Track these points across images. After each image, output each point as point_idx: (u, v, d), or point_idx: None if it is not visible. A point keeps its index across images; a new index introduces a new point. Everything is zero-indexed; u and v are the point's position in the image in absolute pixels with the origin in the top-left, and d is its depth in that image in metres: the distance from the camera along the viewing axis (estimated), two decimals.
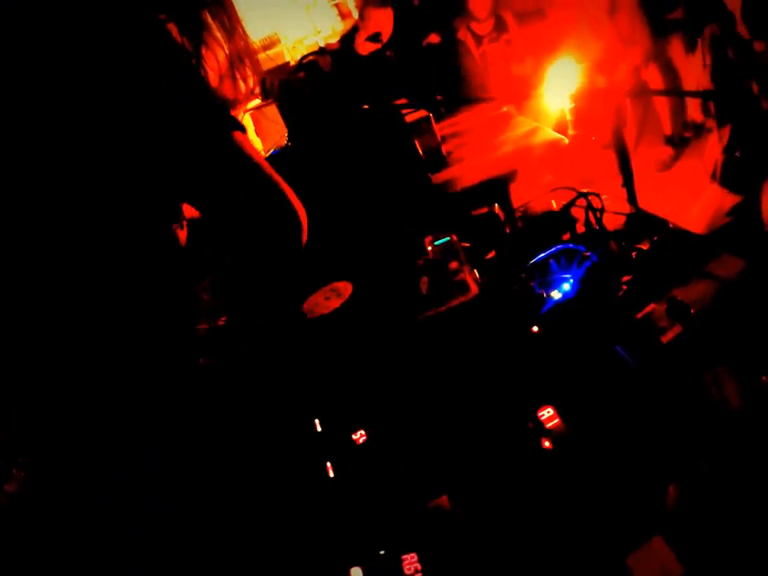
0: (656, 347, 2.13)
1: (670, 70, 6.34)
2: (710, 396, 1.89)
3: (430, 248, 3.04)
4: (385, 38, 5.32)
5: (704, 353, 2.07)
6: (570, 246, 2.83)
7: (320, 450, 1.99)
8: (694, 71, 5.58)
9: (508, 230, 3.20)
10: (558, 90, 3.61)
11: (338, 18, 8.44)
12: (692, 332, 2.16)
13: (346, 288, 2.92)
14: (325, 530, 1.64)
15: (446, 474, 1.98)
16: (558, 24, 6.08)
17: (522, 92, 4.95)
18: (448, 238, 3.07)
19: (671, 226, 2.88)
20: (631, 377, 2.10)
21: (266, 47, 8.06)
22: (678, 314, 2.25)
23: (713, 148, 5.33)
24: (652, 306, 2.34)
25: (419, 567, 1.48)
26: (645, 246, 2.78)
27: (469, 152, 4.30)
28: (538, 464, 1.93)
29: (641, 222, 3.01)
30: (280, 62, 7.83)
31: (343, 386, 2.44)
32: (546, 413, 2.08)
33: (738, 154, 4.89)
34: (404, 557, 1.51)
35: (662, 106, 6.47)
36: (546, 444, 1.97)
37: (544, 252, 2.86)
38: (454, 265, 2.83)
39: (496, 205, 3.27)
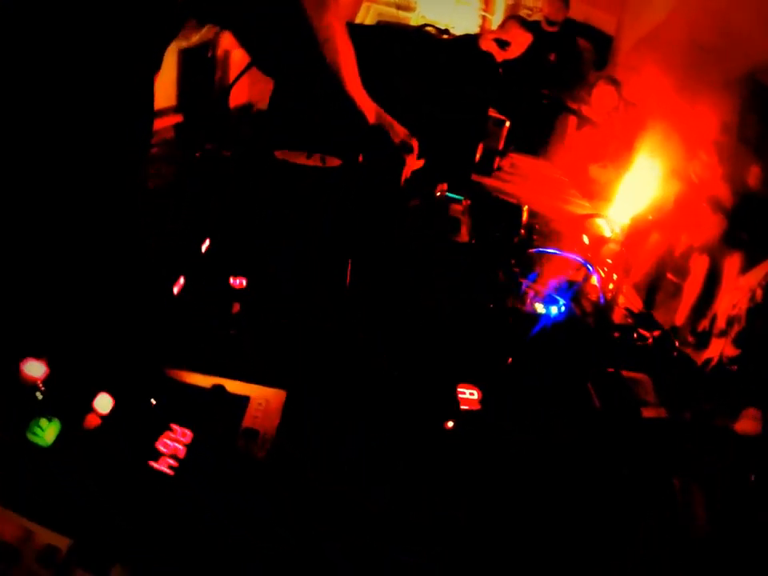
0: (635, 416, 1.80)
1: (715, 271, 6.01)
2: (676, 501, 1.57)
3: (439, 192, 2.75)
4: (511, 53, 5.09)
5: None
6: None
7: None
8: (734, 289, 5.30)
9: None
10: (622, 204, 3.32)
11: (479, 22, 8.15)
12: (673, 425, 1.81)
13: (333, 162, 2.50)
14: None
15: None
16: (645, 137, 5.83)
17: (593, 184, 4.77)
18: (461, 198, 2.80)
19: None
20: (591, 413, 1.81)
21: (399, 6, 7.66)
22: (667, 402, 1.89)
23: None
24: (644, 375, 1.88)
25: None
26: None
27: (515, 181, 4.17)
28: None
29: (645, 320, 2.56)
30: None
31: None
32: (469, 393, 1.76)
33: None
34: None
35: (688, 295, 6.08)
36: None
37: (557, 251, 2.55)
38: (456, 208, 2.65)
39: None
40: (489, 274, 2.32)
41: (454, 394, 1.72)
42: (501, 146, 4.06)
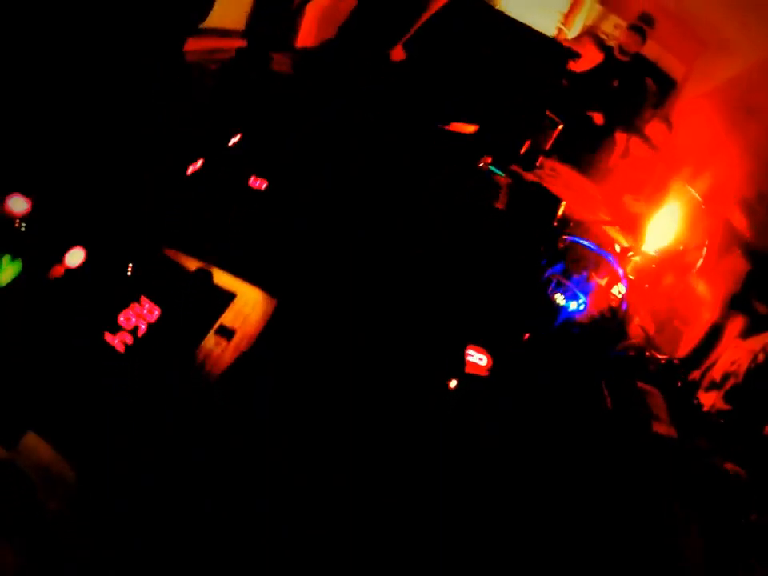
0: (644, 428, 1.66)
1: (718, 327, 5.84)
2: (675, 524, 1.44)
3: (482, 163, 2.59)
4: (579, 66, 5.02)
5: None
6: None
7: None
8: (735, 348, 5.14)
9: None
10: (654, 236, 3.25)
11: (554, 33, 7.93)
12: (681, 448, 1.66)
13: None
14: None
15: None
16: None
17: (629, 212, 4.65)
18: (503, 174, 2.68)
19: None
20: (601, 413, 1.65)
21: None
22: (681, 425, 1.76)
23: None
24: (656, 390, 1.69)
25: None
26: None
27: (554, 183, 3.91)
28: None
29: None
30: None
31: None
32: (478, 357, 1.60)
33: None
34: None
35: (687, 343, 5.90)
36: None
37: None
38: (499, 179, 2.56)
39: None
40: (521, 250, 2.09)
41: (463, 354, 1.51)
42: (548, 146, 3.88)
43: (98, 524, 0.99)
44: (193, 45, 2.48)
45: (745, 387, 4.21)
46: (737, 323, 5.44)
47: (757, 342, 4.68)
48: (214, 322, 1.36)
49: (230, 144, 2.05)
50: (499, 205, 2.20)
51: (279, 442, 1.26)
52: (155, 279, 1.44)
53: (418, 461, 1.31)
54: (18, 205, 1.44)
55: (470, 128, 2.20)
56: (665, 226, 3.21)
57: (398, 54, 2.52)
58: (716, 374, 4.58)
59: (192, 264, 1.50)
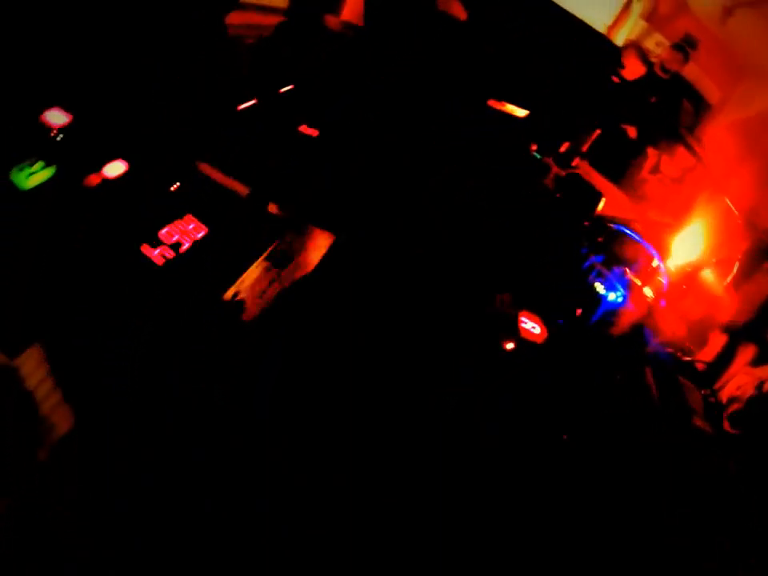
0: (686, 422, 1.62)
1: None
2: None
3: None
4: (623, 74, 5.00)
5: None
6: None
7: None
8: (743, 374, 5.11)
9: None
10: (683, 248, 3.19)
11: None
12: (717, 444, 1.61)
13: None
14: None
15: None
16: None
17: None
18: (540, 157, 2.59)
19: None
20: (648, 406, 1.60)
21: None
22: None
23: None
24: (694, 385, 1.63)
25: None
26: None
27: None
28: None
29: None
30: None
31: None
32: (531, 325, 1.56)
33: None
34: None
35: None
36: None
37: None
38: (547, 160, 2.52)
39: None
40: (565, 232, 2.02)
41: (516, 318, 1.44)
42: (585, 148, 3.81)
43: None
44: (235, 18, 2.44)
45: (746, 413, 4.19)
46: (749, 350, 5.39)
47: (765, 372, 4.65)
48: (265, 250, 1.28)
49: (281, 91, 1.99)
50: (548, 183, 2.09)
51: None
52: (204, 200, 1.35)
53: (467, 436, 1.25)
54: (57, 118, 1.42)
55: (521, 112, 2.11)
56: (694, 239, 3.15)
57: (458, 10, 2.43)
58: (723, 396, 4.56)
59: (244, 190, 1.42)
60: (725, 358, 5.27)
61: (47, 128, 1.45)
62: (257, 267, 1.22)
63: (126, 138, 1.50)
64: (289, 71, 2.25)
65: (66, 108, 1.50)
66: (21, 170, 1.30)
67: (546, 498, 1.26)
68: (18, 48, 1.52)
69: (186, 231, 1.23)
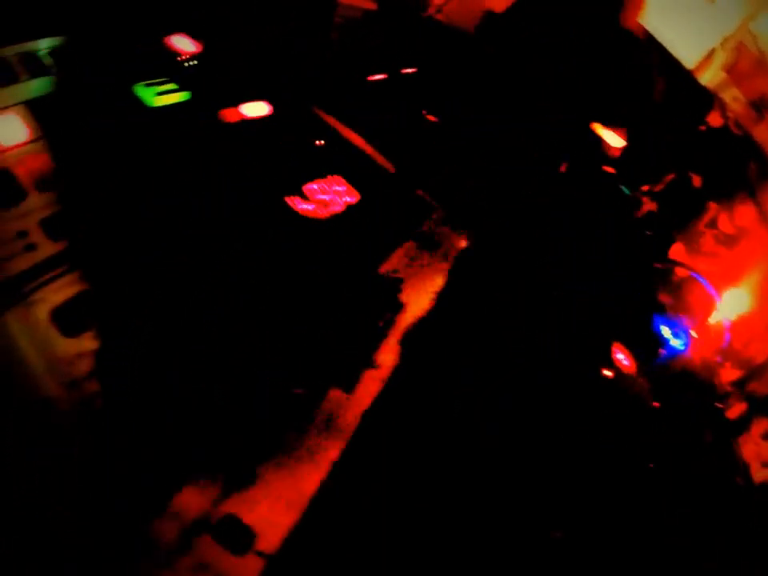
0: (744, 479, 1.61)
1: None
2: None
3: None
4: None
5: None
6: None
7: None
8: None
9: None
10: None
11: None
12: None
13: None
14: None
15: None
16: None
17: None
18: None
19: None
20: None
21: None
22: None
23: None
24: None
25: None
26: None
27: None
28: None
29: None
30: None
31: None
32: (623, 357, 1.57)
33: None
34: None
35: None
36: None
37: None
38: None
39: None
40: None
41: (610, 349, 1.45)
42: (659, 188, 3.83)
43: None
44: None
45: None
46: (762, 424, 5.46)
47: None
48: (414, 230, 1.27)
49: (403, 72, 1.97)
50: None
51: None
52: (351, 165, 1.34)
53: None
54: (184, 44, 1.41)
55: (619, 142, 2.11)
56: (743, 297, 3.17)
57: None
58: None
59: (389, 165, 1.41)
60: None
61: (174, 52, 1.43)
62: (406, 246, 1.21)
63: (266, 80, 1.48)
64: (411, 55, 2.23)
65: (193, 36, 1.48)
66: (147, 86, 1.29)
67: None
68: None
69: (338, 192, 1.21)
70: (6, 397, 0.84)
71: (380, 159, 1.45)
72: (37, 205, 1.05)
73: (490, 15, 2.94)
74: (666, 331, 2.04)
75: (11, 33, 1.31)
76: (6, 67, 1.20)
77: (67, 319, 0.96)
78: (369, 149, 1.45)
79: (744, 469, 1.73)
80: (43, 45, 1.29)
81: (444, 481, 1.19)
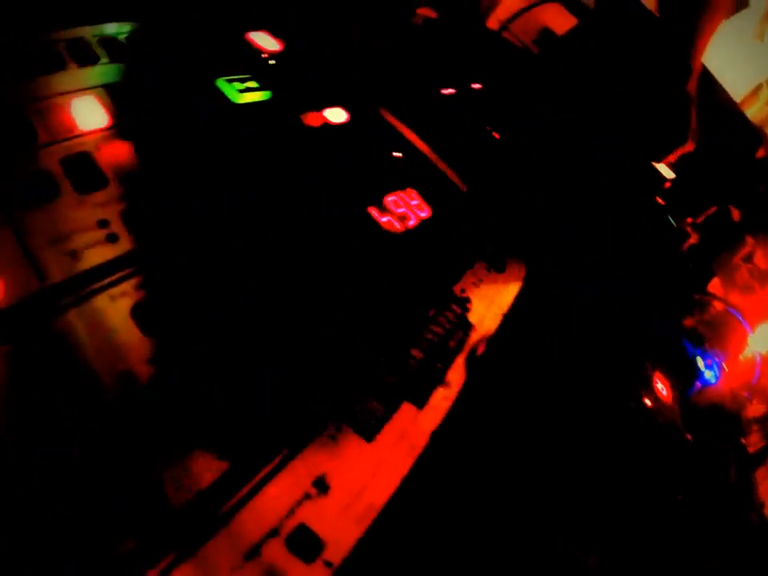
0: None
1: None
2: None
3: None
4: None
5: None
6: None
7: None
8: None
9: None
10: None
11: None
12: None
13: None
14: None
15: None
16: None
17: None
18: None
19: None
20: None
21: None
22: None
23: None
24: None
25: None
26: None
27: None
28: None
29: None
30: None
31: None
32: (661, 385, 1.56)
33: None
34: None
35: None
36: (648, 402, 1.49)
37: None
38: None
39: None
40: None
41: (652, 378, 1.46)
42: (701, 219, 3.85)
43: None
44: None
45: None
46: None
47: None
48: (483, 249, 1.28)
49: (473, 87, 1.98)
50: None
51: None
52: (423, 178, 1.34)
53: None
54: (266, 41, 1.43)
55: (669, 174, 2.13)
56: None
57: None
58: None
59: (460, 183, 1.41)
60: None
61: (256, 49, 1.43)
62: (475, 266, 1.22)
63: (344, 86, 1.48)
64: (476, 69, 2.24)
65: (276, 34, 1.48)
66: (229, 81, 1.27)
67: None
68: None
69: (411, 206, 1.21)
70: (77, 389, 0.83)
71: (451, 175, 1.46)
72: (117, 194, 1.02)
73: (549, 35, 2.95)
74: (700, 362, 2.06)
75: (94, 13, 1.31)
76: (85, 48, 1.19)
77: (147, 316, 0.94)
78: (441, 164, 1.46)
79: (759, 506, 1.75)
80: (124, 29, 1.29)
81: (494, 502, 1.21)
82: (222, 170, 1.15)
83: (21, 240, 0.88)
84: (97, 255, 0.94)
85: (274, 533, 0.81)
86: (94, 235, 0.95)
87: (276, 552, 0.80)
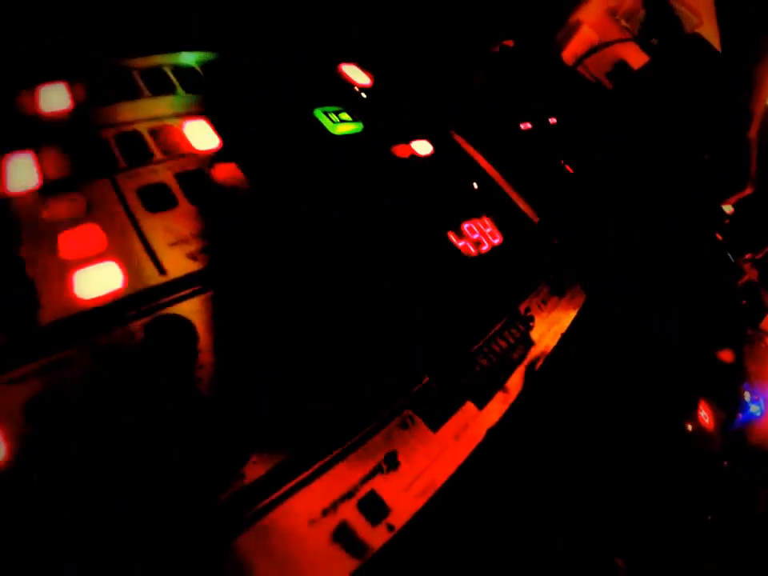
0: None
1: None
2: None
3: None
4: None
5: None
6: None
7: None
8: None
9: None
10: None
11: None
12: None
13: None
14: None
15: None
16: None
17: None
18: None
19: None
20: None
21: None
22: None
23: None
24: None
25: None
26: None
27: None
28: None
29: None
30: None
31: None
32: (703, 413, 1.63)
33: None
34: None
35: None
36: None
37: None
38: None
39: None
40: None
41: (697, 405, 1.53)
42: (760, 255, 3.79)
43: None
44: None
45: None
46: None
47: None
48: (549, 274, 1.42)
49: (551, 121, 2.09)
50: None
51: None
52: (497, 208, 1.50)
53: None
54: (356, 74, 1.58)
55: (729, 209, 2.18)
56: None
57: None
58: None
59: (531, 214, 1.55)
60: None
61: (348, 82, 1.55)
62: (539, 289, 1.36)
63: (429, 118, 1.62)
64: (552, 103, 2.34)
65: (364, 68, 1.60)
66: (325, 113, 1.40)
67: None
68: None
69: (485, 233, 1.36)
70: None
71: (523, 206, 1.61)
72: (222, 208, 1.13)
73: (625, 69, 3.02)
74: (746, 395, 2.11)
75: (203, 42, 1.47)
76: (195, 74, 1.32)
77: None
78: (515, 194, 1.61)
79: None
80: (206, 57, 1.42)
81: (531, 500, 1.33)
82: (321, 193, 1.29)
83: (144, 239, 1.03)
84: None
85: (348, 495, 0.94)
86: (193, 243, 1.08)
87: (349, 511, 0.92)
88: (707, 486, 1.55)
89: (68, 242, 0.98)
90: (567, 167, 1.93)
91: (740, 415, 2.01)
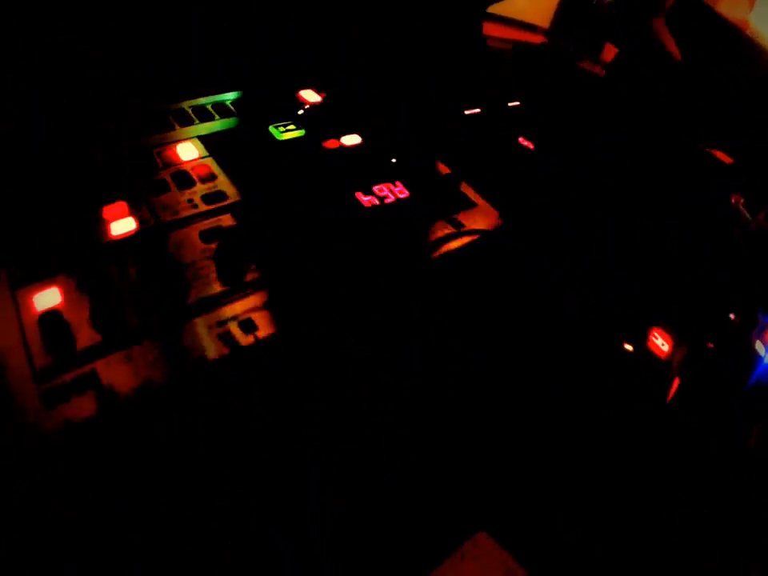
0: None
1: None
2: None
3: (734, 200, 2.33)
4: None
5: None
6: None
7: None
8: None
9: None
10: None
11: None
12: None
13: None
14: None
15: None
16: None
17: None
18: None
19: None
20: None
21: None
22: None
23: None
24: None
25: None
26: None
27: None
28: None
29: None
30: None
31: None
32: (661, 342, 1.49)
33: None
34: None
35: None
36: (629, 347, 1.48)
37: None
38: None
39: None
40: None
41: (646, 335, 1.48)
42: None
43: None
44: (489, 29, 2.64)
45: None
46: None
47: None
48: (449, 215, 1.49)
49: (509, 104, 2.17)
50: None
51: None
52: (415, 174, 1.60)
53: None
54: (311, 96, 1.86)
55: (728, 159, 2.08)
56: None
57: None
58: None
59: (445, 170, 1.64)
60: None
61: (301, 102, 1.83)
62: (437, 227, 1.43)
63: (363, 120, 1.80)
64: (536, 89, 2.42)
65: (318, 89, 1.84)
66: (276, 127, 1.68)
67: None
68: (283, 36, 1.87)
69: (394, 191, 1.46)
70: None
71: (442, 167, 1.69)
72: (203, 192, 1.41)
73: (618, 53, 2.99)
74: (760, 348, 1.94)
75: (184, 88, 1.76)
76: (185, 114, 1.63)
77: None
78: (442, 166, 1.71)
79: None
80: (208, 100, 1.70)
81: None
82: (267, 183, 1.52)
83: (150, 208, 1.35)
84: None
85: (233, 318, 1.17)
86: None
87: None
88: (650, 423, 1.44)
89: None
90: (528, 144, 1.98)
91: (755, 370, 1.85)
